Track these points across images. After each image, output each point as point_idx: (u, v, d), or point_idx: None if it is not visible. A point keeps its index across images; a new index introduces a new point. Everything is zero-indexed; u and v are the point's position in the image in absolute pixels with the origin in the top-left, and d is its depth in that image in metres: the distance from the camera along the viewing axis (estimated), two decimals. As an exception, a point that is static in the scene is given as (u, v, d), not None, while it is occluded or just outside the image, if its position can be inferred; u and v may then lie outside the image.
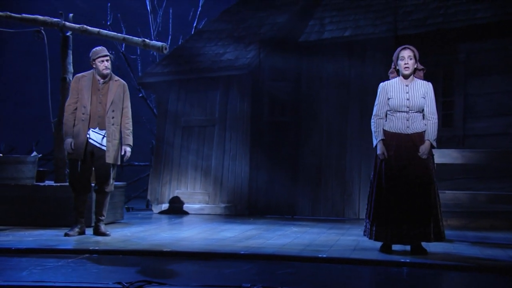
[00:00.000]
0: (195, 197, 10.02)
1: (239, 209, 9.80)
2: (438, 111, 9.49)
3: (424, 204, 5.52)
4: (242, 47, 10.12)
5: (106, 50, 6.60)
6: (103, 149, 6.55)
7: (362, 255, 5.33)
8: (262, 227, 7.77)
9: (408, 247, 5.69)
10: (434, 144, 5.67)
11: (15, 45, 13.81)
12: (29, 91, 14.93)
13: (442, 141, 9.39)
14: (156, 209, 10.11)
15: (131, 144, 6.72)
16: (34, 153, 7.97)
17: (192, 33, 10.77)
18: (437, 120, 5.70)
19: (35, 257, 5.05)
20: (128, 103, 6.73)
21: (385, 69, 9.67)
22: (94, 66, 6.59)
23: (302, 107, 9.88)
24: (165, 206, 10.06)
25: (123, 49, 11.72)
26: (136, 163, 11.51)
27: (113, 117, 6.59)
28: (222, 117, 10.01)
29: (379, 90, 5.82)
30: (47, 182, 8.08)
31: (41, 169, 8.25)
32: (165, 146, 10.21)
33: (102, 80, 6.61)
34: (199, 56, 10.26)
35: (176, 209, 9.97)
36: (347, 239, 6.57)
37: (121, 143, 6.71)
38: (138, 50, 12.02)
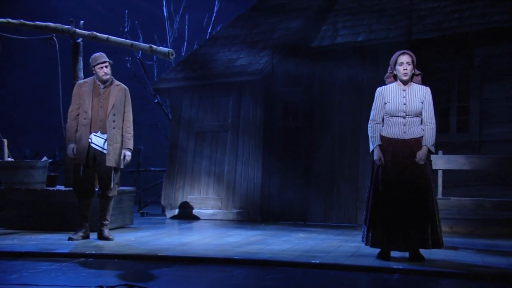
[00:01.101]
0: (208, 202, 10.09)
1: (252, 215, 9.84)
2: (453, 115, 9.55)
3: (421, 210, 5.49)
4: (255, 52, 10.18)
5: (105, 56, 6.73)
6: (105, 153, 6.68)
7: (356, 261, 5.32)
8: (269, 233, 7.80)
9: (407, 254, 5.67)
10: (432, 149, 5.64)
11: (41, 51, 14.11)
12: (55, 97, 15.20)
13: (457, 147, 9.31)
14: (169, 214, 10.22)
15: (131, 148, 6.82)
16: (45, 158, 8.15)
17: (207, 38, 10.87)
18: (435, 126, 5.67)
19: (31, 261, 5.17)
20: (129, 107, 6.84)
21: (398, 74, 9.66)
22: (94, 72, 6.73)
23: (315, 113, 9.88)
24: (178, 211, 10.15)
25: (139, 56, 11.89)
26: (153, 169, 11.65)
27: (114, 121, 6.71)
28: (235, 123, 10.08)
29: (376, 95, 5.82)
30: (58, 187, 8.25)
31: (52, 173, 8.43)
32: (179, 151, 10.31)
33: (102, 85, 6.74)
34: (213, 62, 10.36)
35: (189, 214, 10.06)
36: (350, 245, 6.55)
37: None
38: (155, 57, 12.18)
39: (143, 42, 12.08)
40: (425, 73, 9.73)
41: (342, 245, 6.61)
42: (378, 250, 5.71)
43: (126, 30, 11.81)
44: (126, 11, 11.89)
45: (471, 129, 9.18)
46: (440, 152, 7.11)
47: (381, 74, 9.71)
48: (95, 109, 6.72)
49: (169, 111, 10.86)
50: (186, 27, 12.00)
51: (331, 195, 9.62)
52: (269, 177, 9.92)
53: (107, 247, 6.07)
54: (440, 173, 7.00)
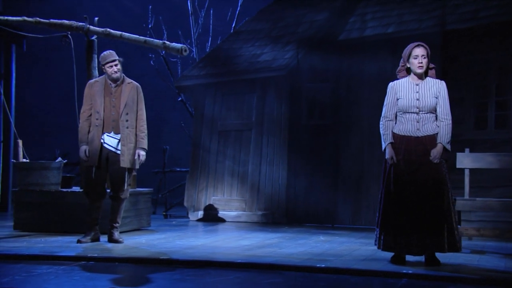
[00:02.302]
0: (232, 204, 10.19)
1: (277, 217, 9.88)
2: (491, 111, 9.36)
3: (435, 211, 5.44)
4: (280, 47, 10.22)
5: (115, 54, 6.85)
6: (118, 154, 6.81)
7: (365, 266, 5.31)
8: (288, 236, 7.83)
9: (423, 258, 5.63)
10: (448, 147, 5.57)
11: (71, 50, 14.41)
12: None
13: (496, 144, 9.13)
14: (192, 216, 10.35)
15: (146, 147, 6.93)
16: (59, 159, 8.37)
17: (230, 33, 10.96)
18: (451, 122, 5.60)
19: (33, 264, 5.34)
20: (142, 106, 6.95)
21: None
22: (104, 71, 6.88)
23: (342, 109, 9.85)
24: (201, 213, 10.28)
25: (163, 53, 12.08)
26: (178, 169, 11.80)
27: (127, 120, 6.83)
28: (259, 121, 10.13)
29: (388, 90, 5.79)
30: (74, 188, 8.48)
31: (68, 175, 8.66)
32: (201, 151, 10.44)
33: (114, 84, 6.88)
34: (236, 58, 10.44)
35: (212, 216, 10.17)
36: (367, 249, 6.53)
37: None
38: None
39: (167, 39, 12.31)
40: (459, 66, 9.65)
41: (360, 248, 6.60)
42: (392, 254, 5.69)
43: (150, 26, 12.02)
44: (150, 6, 12.10)
45: (511, 124, 9.01)
46: (467, 150, 7.01)
47: (412, 68, 9.70)
48: (108, 109, 6.86)
49: (193, 110, 11.00)
50: (211, 21, 12.12)
51: (360, 196, 9.58)
52: (294, 178, 9.94)
53: (113, 250, 6.21)
54: (466, 172, 6.90)
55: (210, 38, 12.04)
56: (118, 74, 6.82)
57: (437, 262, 5.51)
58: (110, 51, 6.91)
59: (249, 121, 10.21)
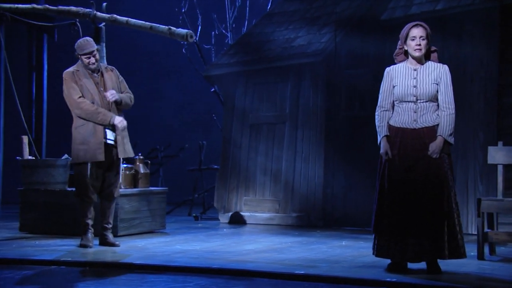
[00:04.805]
0: (264, 205, 10.26)
1: (312, 219, 9.88)
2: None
3: (434, 212, 5.35)
4: (316, 30, 10.19)
5: (92, 44, 7.07)
6: (113, 145, 7.08)
7: (350, 274, 5.31)
8: (306, 240, 7.87)
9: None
10: (450, 140, 5.45)
11: (116, 38, 14.88)
12: (133, 89, 15.92)
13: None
14: (222, 218, 10.50)
15: (124, 97, 7.14)
16: (65, 156, 8.72)
17: (262, 16, 11.00)
18: (454, 111, 5.47)
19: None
20: (125, 85, 7.28)
21: (486, 48, 9.27)
22: (80, 60, 7.12)
23: (385, 99, 9.70)
24: (232, 215, 10.41)
25: (196, 39, 12.30)
26: (216, 167, 11.97)
27: (117, 109, 7.12)
28: (293, 113, 10.15)
29: (384, 76, 5.74)
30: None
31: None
32: (232, 147, 10.56)
33: (95, 74, 7.13)
34: (268, 43, 10.49)
35: (243, 218, 10.27)
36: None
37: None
38: (213, 40, 12.53)
39: (201, 23, 12.55)
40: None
41: (369, 255, 6.55)
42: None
43: (183, 10, 12.27)
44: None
45: None
46: (500, 143, 6.82)
47: (464, 49, 9.47)
48: (100, 100, 7.14)
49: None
50: (248, 3, 12.23)
51: (404, 196, 9.42)
52: (332, 176, 9.91)
53: (90, 253, 6.49)
54: (500, 169, 6.71)
55: (246, 22, 12.15)
56: (95, 65, 7.08)
57: (437, 270, 5.42)
58: (87, 38, 7.15)
59: (283, 113, 10.25)
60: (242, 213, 10.34)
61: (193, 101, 13.79)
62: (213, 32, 12.53)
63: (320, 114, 9.99)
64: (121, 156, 7.14)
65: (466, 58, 9.32)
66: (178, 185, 13.68)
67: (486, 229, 6.46)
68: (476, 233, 6.63)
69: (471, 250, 6.47)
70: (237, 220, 10.29)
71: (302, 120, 10.08)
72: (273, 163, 10.26)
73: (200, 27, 12.47)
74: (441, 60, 9.43)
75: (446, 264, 5.77)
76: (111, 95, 7.01)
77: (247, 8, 12.19)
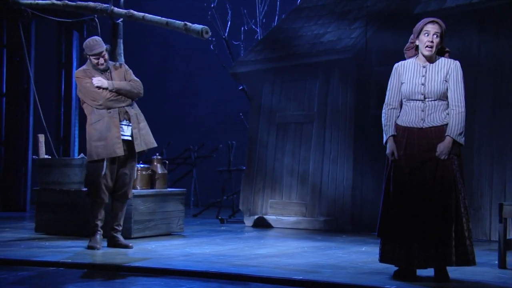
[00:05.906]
0: (291, 208, 10.26)
1: (341, 223, 9.84)
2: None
3: (441, 217, 5.29)
4: (346, 25, 10.14)
5: (101, 44, 7.17)
6: (130, 140, 7.20)
7: (351, 280, 5.30)
8: (325, 245, 7.86)
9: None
10: (460, 140, 5.38)
11: (153, 36, 15.09)
12: (168, 87, 16.14)
13: None
14: (248, 221, 10.54)
15: (123, 84, 7.22)
16: (81, 155, 8.90)
17: (290, 11, 11.00)
18: (463, 110, 5.40)
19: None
20: (131, 75, 7.39)
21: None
22: (88, 59, 7.27)
23: (418, 97, 9.61)
24: (257, 218, 10.44)
25: (225, 35, 12.37)
26: (245, 168, 12.03)
27: (130, 104, 7.28)
28: (322, 112, 10.12)
29: (392, 73, 5.71)
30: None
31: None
32: (258, 147, 10.59)
33: (107, 72, 7.28)
34: (296, 39, 10.48)
35: (269, 222, 10.30)
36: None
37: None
38: (242, 36, 12.59)
39: (231, 19, 12.61)
40: None
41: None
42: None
43: (212, 5, 12.36)
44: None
45: None
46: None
47: (503, 46, 9.30)
48: None
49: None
50: (278, -2, 12.26)
51: (436, 200, 9.32)
52: (361, 178, 9.84)
53: (97, 255, 6.61)
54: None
55: (276, 17, 12.16)
56: (104, 65, 7.22)
57: (445, 278, 5.36)
58: (96, 38, 7.26)
59: (311, 112, 10.23)
60: (267, 217, 10.36)
61: (229, 100, 13.88)
62: (242, 28, 12.59)
63: (349, 113, 9.94)
64: (139, 149, 7.28)
65: (504, 53, 9.17)
66: (210, 186, 13.82)
67: (509, 236, 6.35)
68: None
69: (495, 258, 6.39)
70: (263, 224, 10.31)
71: (331, 119, 10.04)
72: (300, 164, 10.25)
73: (229, 23, 12.54)
74: (478, 57, 9.39)
75: (462, 273, 5.71)
76: (98, 80, 7.12)
77: (278, 2, 12.20)
